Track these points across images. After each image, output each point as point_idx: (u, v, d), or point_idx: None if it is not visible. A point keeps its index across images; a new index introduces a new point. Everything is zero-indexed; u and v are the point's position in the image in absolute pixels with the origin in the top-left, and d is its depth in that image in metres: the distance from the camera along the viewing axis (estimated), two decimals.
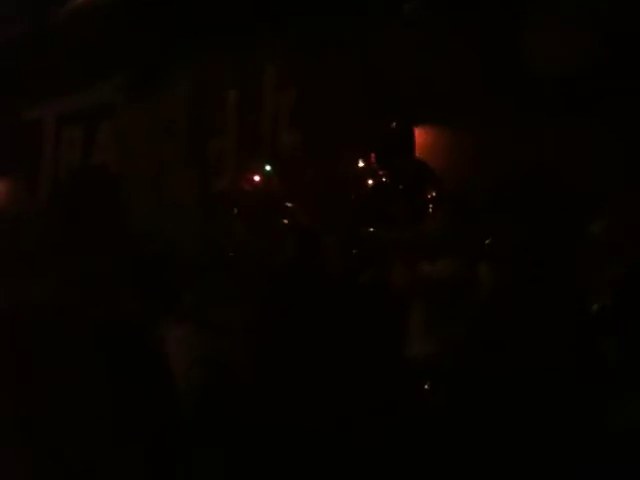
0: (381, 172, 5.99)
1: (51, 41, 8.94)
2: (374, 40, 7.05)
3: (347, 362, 4.37)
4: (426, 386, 3.84)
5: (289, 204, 6.68)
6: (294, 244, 5.86)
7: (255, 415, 4.42)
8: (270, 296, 5.51)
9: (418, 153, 6.33)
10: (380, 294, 4.68)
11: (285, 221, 6.62)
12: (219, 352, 5.20)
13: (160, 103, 8.70)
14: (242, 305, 5.64)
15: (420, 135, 6.57)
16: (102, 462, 4.79)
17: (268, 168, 7.33)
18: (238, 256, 6.40)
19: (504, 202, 4.58)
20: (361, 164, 6.18)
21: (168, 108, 8.70)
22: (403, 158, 6.06)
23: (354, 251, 5.35)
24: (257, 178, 7.30)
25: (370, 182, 6.01)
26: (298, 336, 4.92)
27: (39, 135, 9.77)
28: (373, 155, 6.12)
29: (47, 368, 5.74)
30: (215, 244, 6.97)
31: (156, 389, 5.15)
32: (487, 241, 4.21)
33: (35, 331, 6.34)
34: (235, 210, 7.32)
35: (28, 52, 9.06)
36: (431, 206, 5.15)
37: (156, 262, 6.81)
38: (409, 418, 3.83)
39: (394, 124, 6.32)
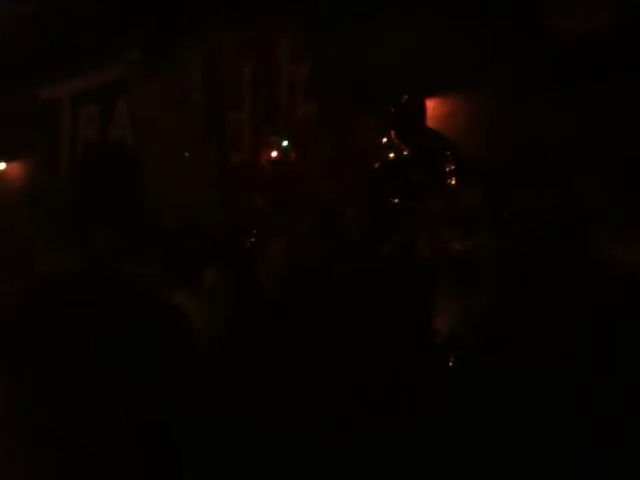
0: (397, 143, 5.99)
1: (63, 20, 8.93)
2: (390, 9, 7.00)
3: (369, 335, 4.40)
4: (450, 363, 3.83)
5: (308, 177, 6.71)
6: (314, 216, 5.88)
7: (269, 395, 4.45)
8: (290, 270, 5.54)
9: (436, 123, 6.32)
10: (402, 266, 4.70)
11: (305, 194, 6.64)
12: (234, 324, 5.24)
13: (175, 78, 8.70)
14: (260, 277, 5.67)
15: (439, 105, 6.54)
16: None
17: (285, 143, 7.35)
18: (259, 230, 6.44)
19: (524, 171, 4.58)
20: (378, 136, 6.17)
21: (183, 83, 8.72)
22: (416, 130, 6.04)
23: (373, 222, 5.36)
24: (274, 154, 7.33)
25: (387, 154, 6.01)
26: (318, 309, 4.94)
27: (56, 114, 9.84)
28: (392, 130, 6.10)
29: (66, 338, 5.74)
30: (234, 217, 7.01)
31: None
32: (505, 213, 4.19)
33: (54, 300, 6.39)
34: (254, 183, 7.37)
35: (40, 32, 9.06)
36: (450, 178, 5.16)
37: (175, 235, 6.85)
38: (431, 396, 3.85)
39: (405, 97, 6.28)
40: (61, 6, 9.05)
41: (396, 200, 5.38)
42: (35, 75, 9.36)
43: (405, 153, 5.91)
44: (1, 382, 5.03)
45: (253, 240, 6.33)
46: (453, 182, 5.12)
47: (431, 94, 6.56)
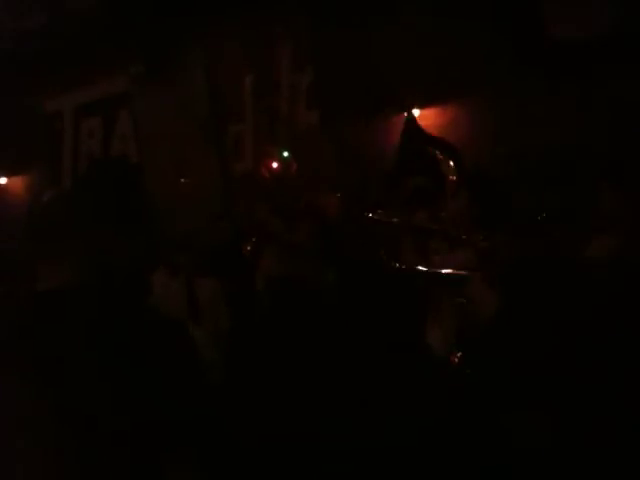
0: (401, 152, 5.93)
1: (67, 33, 8.93)
2: (391, 17, 6.97)
3: (362, 351, 4.30)
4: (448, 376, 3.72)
5: (308, 186, 6.65)
6: (311, 226, 5.81)
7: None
8: (288, 279, 5.47)
9: (439, 129, 6.26)
10: (399, 277, 4.61)
11: (304, 204, 6.59)
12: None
13: (177, 90, 8.69)
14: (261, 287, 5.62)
15: (441, 111, 6.49)
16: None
17: (286, 154, 7.32)
18: (260, 240, 6.38)
19: (524, 177, 4.51)
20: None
21: (186, 95, 8.70)
22: (417, 138, 5.99)
23: (371, 232, 5.28)
24: (275, 165, 7.30)
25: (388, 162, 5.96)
26: (312, 321, 4.85)
27: (59, 127, 9.84)
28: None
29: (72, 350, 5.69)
30: (236, 228, 6.97)
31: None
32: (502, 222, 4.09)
33: (59, 313, 6.36)
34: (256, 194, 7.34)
35: (45, 45, 9.06)
36: (451, 189, 5.06)
37: (179, 247, 6.80)
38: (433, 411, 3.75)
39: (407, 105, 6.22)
40: (66, 20, 9.07)
41: (393, 210, 5.30)
42: (37, 88, 9.37)
43: (406, 162, 5.85)
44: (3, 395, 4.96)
45: (254, 250, 6.27)
46: (454, 191, 5.02)
47: (434, 100, 6.52)
